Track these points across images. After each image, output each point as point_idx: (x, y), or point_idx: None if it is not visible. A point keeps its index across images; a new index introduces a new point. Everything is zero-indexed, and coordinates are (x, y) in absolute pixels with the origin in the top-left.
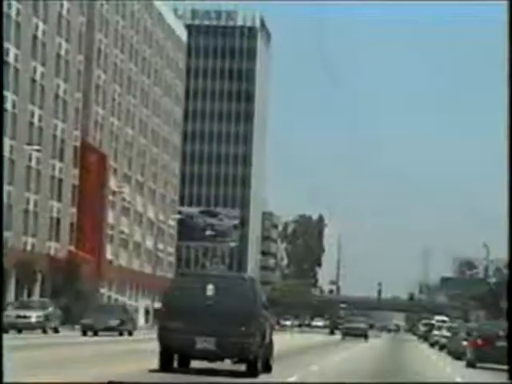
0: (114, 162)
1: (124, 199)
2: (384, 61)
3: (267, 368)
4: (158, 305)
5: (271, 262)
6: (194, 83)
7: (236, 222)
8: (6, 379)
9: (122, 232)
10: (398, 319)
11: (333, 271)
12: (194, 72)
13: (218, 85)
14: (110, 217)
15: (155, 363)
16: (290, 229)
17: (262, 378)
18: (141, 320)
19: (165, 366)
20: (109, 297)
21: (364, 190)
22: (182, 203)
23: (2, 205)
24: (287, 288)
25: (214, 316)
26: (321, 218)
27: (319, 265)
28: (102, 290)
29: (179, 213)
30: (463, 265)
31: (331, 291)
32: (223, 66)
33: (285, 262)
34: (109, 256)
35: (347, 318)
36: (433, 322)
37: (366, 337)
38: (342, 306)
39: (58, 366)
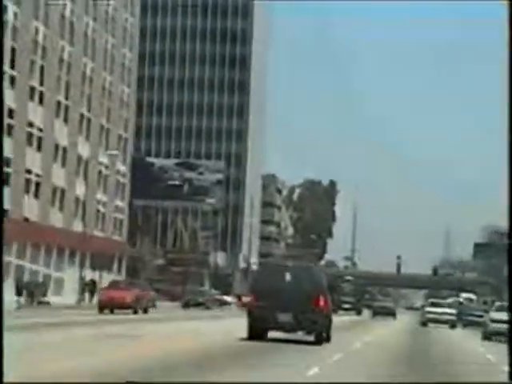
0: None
1: (31, 124)
2: (386, 46)
3: (328, 339)
4: (92, 276)
5: (274, 231)
6: (181, 45)
7: (220, 176)
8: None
9: (29, 171)
10: (417, 298)
11: (344, 244)
12: (180, 33)
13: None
14: (6, 147)
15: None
16: (295, 195)
17: (324, 345)
18: (69, 295)
19: (252, 335)
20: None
21: (381, 163)
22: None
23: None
24: (293, 261)
25: (291, 297)
26: (332, 184)
27: (330, 235)
28: None
29: (151, 163)
30: (494, 234)
31: (346, 267)
32: (214, 26)
33: (290, 231)
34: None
35: (376, 297)
36: (460, 299)
37: (394, 315)
38: (347, 278)
39: None
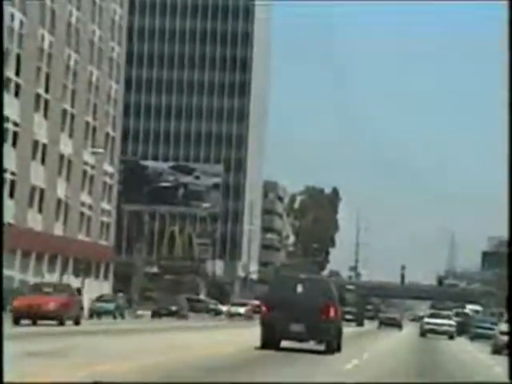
0: None
1: (6, 118)
2: (387, 52)
3: (338, 348)
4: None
5: (275, 239)
6: (180, 47)
7: (217, 180)
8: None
9: (3, 169)
10: (421, 309)
11: (348, 253)
12: (179, 34)
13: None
14: None
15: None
16: (297, 202)
17: (336, 355)
18: None
19: (265, 344)
20: None
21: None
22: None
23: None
24: (293, 270)
25: (303, 307)
26: (335, 192)
27: (333, 244)
28: None
29: (144, 166)
30: (500, 244)
31: (350, 278)
32: (215, 28)
33: (291, 240)
34: None
35: (379, 308)
36: (466, 311)
37: (400, 326)
38: (349, 287)
39: None
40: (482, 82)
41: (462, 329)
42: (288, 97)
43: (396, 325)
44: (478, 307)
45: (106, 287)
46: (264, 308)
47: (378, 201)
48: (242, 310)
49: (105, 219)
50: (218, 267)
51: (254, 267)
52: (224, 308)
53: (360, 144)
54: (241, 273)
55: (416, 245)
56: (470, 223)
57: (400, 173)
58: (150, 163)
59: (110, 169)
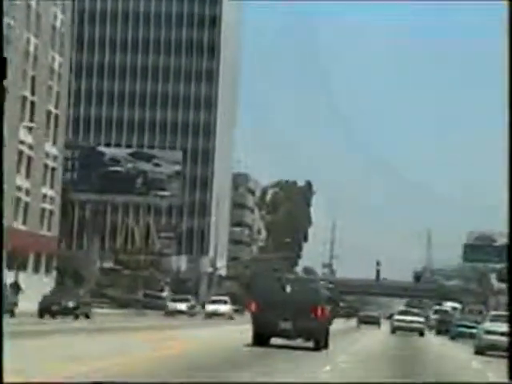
0: None
1: None
2: (379, 49)
3: (326, 345)
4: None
5: (245, 234)
6: (144, 32)
7: (177, 168)
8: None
9: None
10: (398, 306)
11: (321, 249)
12: (144, 19)
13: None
14: None
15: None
16: (269, 195)
17: (324, 351)
18: None
19: (256, 342)
20: None
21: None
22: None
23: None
24: (264, 265)
25: (292, 306)
26: (308, 185)
27: (305, 239)
28: None
29: (101, 153)
30: (481, 238)
31: (325, 274)
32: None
33: (263, 234)
34: None
35: (359, 307)
36: (446, 308)
37: (378, 324)
38: (330, 286)
39: None
40: (482, 81)
41: (442, 327)
42: (260, 85)
43: (375, 322)
44: (456, 304)
45: (47, 282)
46: (254, 307)
47: (353, 195)
48: (223, 308)
49: (47, 206)
50: (183, 262)
51: (222, 263)
52: (183, 306)
53: (336, 137)
54: (208, 268)
55: (392, 241)
56: (447, 219)
57: (376, 167)
58: (107, 150)
59: (52, 150)
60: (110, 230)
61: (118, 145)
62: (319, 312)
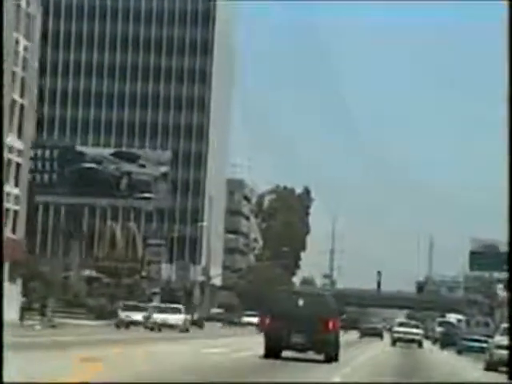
0: None
1: None
2: (378, 50)
3: (336, 358)
4: None
5: (241, 242)
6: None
7: (165, 169)
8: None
9: None
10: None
11: (320, 258)
12: (134, 16)
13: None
14: None
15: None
16: (265, 203)
17: (335, 364)
18: None
19: (268, 354)
20: None
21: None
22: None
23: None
24: (261, 275)
25: (304, 320)
26: (306, 192)
27: (303, 248)
28: None
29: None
30: (485, 247)
31: (325, 285)
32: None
33: (259, 243)
34: None
35: (362, 319)
36: (452, 320)
37: (381, 336)
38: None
39: None
40: (482, 82)
41: (447, 340)
42: (257, 86)
43: (377, 334)
44: (460, 316)
45: (11, 291)
46: (268, 320)
47: (353, 204)
48: (175, 318)
49: (10, 206)
50: (174, 271)
51: (216, 272)
52: (174, 318)
53: (336, 142)
54: (201, 277)
55: (394, 249)
56: (449, 229)
57: (377, 175)
58: (87, 149)
59: (17, 144)
60: (91, 236)
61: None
62: (331, 325)
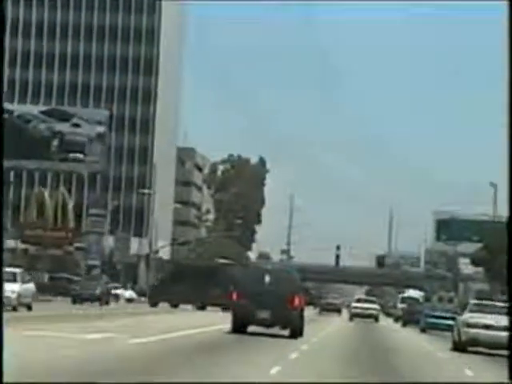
0: None
1: None
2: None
3: (301, 334)
4: None
5: (192, 214)
6: None
7: (101, 129)
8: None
9: None
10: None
11: (276, 231)
12: None
13: None
14: None
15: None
16: (219, 173)
17: (299, 339)
18: None
19: (235, 329)
20: None
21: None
22: None
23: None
24: (212, 248)
25: (270, 296)
26: (262, 162)
27: (259, 221)
28: None
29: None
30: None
31: (282, 261)
32: None
33: (212, 215)
34: None
35: (323, 295)
36: (415, 296)
37: (339, 311)
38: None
39: None
40: (481, 81)
41: (410, 317)
42: (209, 47)
43: (336, 310)
44: (419, 292)
45: None
46: (234, 296)
47: (310, 175)
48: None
49: None
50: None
51: (165, 243)
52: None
53: (294, 107)
54: (146, 250)
55: (353, 225)
56: (409, 201)
57: (335, 146)
58: (14, 106)
59: None
60: (17, 203)
61: None
62: (296, 301)
